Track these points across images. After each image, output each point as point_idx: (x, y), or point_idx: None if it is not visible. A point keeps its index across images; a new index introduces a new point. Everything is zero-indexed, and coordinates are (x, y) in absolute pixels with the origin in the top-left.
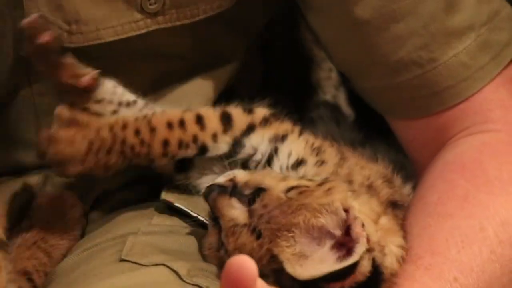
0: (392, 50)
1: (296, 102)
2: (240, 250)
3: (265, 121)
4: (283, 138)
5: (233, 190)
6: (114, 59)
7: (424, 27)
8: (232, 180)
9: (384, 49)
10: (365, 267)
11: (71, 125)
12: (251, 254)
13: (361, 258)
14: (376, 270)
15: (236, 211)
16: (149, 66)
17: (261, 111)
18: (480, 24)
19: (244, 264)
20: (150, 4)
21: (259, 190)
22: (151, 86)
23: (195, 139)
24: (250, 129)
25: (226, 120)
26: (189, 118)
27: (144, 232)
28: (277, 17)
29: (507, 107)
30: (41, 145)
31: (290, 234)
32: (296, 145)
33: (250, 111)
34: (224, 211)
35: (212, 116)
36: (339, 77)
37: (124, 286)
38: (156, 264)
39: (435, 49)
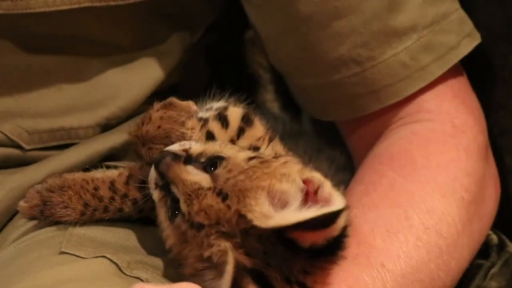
0: (332, 46)
1: None
2: (205, 211)
3: (241, 131)
4: (255, 150)
5: (187, 158)
6: (53, 40)
7: (365, 25)
8: (186, 150)
9: (325, 46)
10: (342, 222)
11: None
12: (217, 215)
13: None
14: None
15: (196, 176)
16: (84, 50)
17: (235, 119)
18: (423, 26)
19: None
20: None
21: (218, 158)
22: (84, 72)
23: None
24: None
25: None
26: None
27: (83, 225)
28: (221, 35)
29: (442, 96)
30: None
31: (257, 195)
32: None
33: (226, 124)
34: (183, 176)
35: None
36: (284, 100)
37: (64, 278)
38: (96, 257)
39: (374, 47)
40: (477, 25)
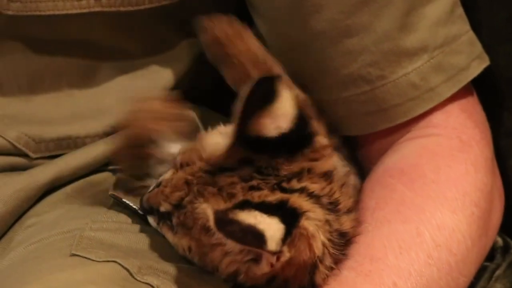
0: (343, 64)
1: None
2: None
3: None
4: None
5: None
6: (62, 44)
7: (376, 44)
8: None
9: (335, 63)
10: None
11: None
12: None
13: None
14: None
15: None
16: (93, 55)
17: None
18: (434, 47)
19: None
20: None
21: None
22: (93, 78)
23: None
24: None
25: None
26: None
27: (93, 228)
28: None
29: (449, 112)
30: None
31: None
32: None
33: None
34: None
35: None
36: None
37: (76, 281)
38: (108, 261)
39: (385, 67)
40: (481, 25)
